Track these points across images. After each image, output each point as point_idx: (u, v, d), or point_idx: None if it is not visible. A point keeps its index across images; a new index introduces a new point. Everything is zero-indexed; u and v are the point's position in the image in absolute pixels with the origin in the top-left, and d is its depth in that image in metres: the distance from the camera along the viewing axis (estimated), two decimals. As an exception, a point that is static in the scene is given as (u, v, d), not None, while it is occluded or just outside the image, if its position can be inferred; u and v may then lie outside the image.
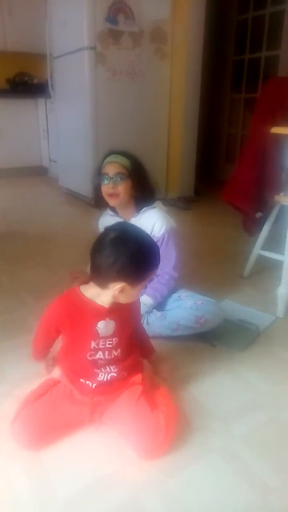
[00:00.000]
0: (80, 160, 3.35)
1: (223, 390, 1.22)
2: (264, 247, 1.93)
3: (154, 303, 1.47)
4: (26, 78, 4.64)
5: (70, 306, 0.99)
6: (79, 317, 0.98)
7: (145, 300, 1.47)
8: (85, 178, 3.31)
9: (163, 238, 1.47)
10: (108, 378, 1.03)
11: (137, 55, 3.13)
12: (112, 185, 1.40)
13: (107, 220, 1.53)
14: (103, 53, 2.98)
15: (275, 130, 1.51)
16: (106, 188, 1.42)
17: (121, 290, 0.94)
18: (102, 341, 1.01)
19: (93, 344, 1.00)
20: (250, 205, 1.83)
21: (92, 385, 1.03)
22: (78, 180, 3.47)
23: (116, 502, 0.87)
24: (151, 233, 1.45)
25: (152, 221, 1.46)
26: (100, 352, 1.02)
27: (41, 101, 4.39)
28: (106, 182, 1.41)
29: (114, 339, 1.02)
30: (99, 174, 1.45)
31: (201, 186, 3.82)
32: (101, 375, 1.03)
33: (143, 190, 1.46)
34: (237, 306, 1.71)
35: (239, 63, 4.18)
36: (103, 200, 1.48)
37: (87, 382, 1.03)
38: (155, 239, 1.41)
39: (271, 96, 1.80)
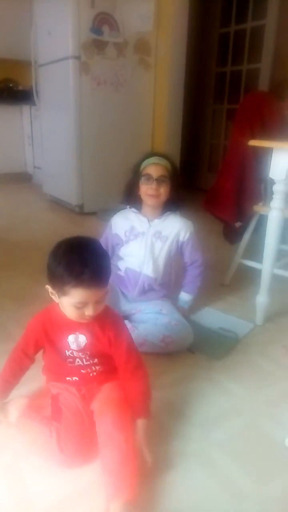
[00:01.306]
0: (64, 168, 3.36)
1: (201, 397, 1.24)
2: (244, 256, 1.97)
3: (193, 296, 1.68)
4: (11, 85, 4.64)
5: (46, 320, 1.02)
6: (54, 330, 1.02)
7: (185, 297, 1.67)
8: (70, 184, 3.33)
9: (189, 241, 1.59)
10: (95, 373, 1.06)
11: (121, 65, 3.18)
12: (156, 186, 1.47)
13: (127, 215, 1.59)
14: (87, 63, 3.01)
15: (253, 142, 1.56)
16: (148, 188, 1.48)
17: (51, 293, 0.96)
18: (76, 353, 1.03)
19: (68, 353, 1.03)
20: (230, 215, 1.88)
21: (77, 378, 1.06)
22: (62, 187, 3.48)
23: (94, 508, 0.87)
24: (175, 237, 1.56)
25: (177, 227, 1.57)
26: (78, 359, 1.04)
27: (26, 108, 4.40)
28: (149, 183, 1.48)
29: (87, 352, 1.03)
30: (137, 172, 1.52)
31: (183, 194, 3.86)
32: (86, 371, 1.05)
33: (177, 195, 1.54)
34: (217, 314, 1.74)
35: (222, 75, 4.27)
36: (134, 197, 1.55)
37: (73, 378, 1.06)
38: (179, 243, 1.57)
39: (249, 109, 1.86)
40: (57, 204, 3.66)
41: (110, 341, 1.02)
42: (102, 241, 1.58)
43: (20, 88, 4.62)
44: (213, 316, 1.71)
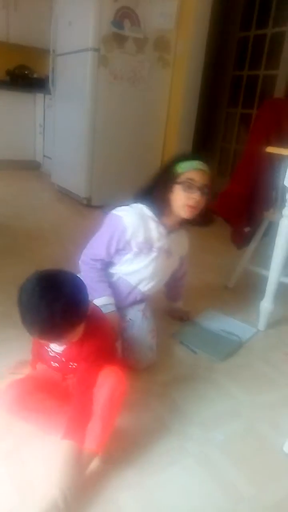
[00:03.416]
0: (74, 159, 3.36)
1: (202, 397, 1.25)
2: (250, 261, 1.98)
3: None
4: (26, 72, 4.62)
5: None
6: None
7: (179, 304, 1.67)
8: (79, 177, 3.33)
9: (187, 255, 1.53)
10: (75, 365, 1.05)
11: (139, 61, 3.17)
12: (200, 197, 1.25)
13: (146, 221, 1.31)
14: (106, 56, 3.01)
15: (270, 149, 1.57)
16: (190, 198, 1.25)
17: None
18: (54, 353, 1.04)
19: (51, 354, 1.04)
20: (240, 219, 1.88)
21: (58, 365, 1.07)
22: (71, 178, 3.48)
23: (94, 500, 0.88)
24: (180, 253, 1.47)
25: (183, 241, 1.47)
26: (57, 357, 1.05)
27: (39, 96, 4.39)
28: (192, 191, 1.25)
29: (63, 358, 1.04)
30: (171, 173, 1.27)
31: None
32: (69, 366, 1.06)
33: (206, 209, 1.34)
34: (220, 316, 1.75)
35: (238, 79, 4.26)
36: (161, 201, 1.29)
37: (55, 364, 1.07)
38: (181, 258, 1.49)
39: (267, 117, 1.86)
40: (65, 194, 3.66)
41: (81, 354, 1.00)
42: (103, 241, 1.32)
43: (35, 76, 4.61)
44: (216, 318, 1.72)
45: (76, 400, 0.96)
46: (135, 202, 1.34)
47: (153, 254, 1.34)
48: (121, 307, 1.41)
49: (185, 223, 1.38)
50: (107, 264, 1.38)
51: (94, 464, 0.96)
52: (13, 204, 3.23)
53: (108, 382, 0.95)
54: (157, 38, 3.19)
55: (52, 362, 1.08)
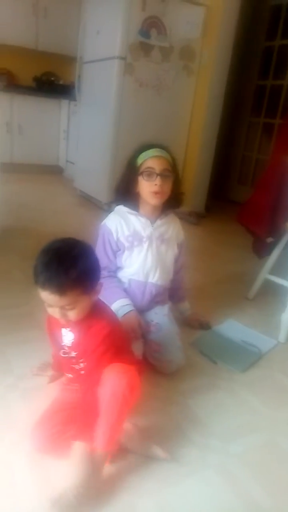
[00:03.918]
0: (97, 165, 3.40)
1: (221, 408, 1.25)
2: (271, 272, 1.96)
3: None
4: (52, 78, 4.71)
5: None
6: (54, 321, 1.03)
7: (186, 305, 1.65)
8: (101, 182, 3.37)
9: (183, 243, 1.50)
10: (83, 372, 1.06)
11: (164, 70, 3.20)
12: (161, 182, 1.29)
13: (125, 217, 1.39)
14: (132, 64, 3.05)
15: (296, 160, 1.57)
16: (152, 185, 1.30)
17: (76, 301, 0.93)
18: (67, 347, 1.05)
19: (62, 344, 1.05)
20: (263, 229, 1.87)
21: (72, 376, 1.08)
22: (94, 184, 3.52)
23: (113, 507, 0.89)
24: (176, 239, 1.47)
25: (176, 227, 1.47)
26: (70, 353, 1.06)
27: (64, 102, 4.46)
28: (152, 179, 1.30)
29: (73, 352, 1.04)
30: (133, 167, 1.33)
31: (212, 203, 3.88)
32: (77, 368, 1.06)
33: (178, 190, 1.39)
34: (241, 327, 1.74)
35: (261, 88, 4.25)
36: (131, 196, 1.36)
37: (68, 375, 1.09)
38: (179, 245, 1.47)
39: (294, 127, 1.86)
40: (86, 200, 3.71)
41: (89, 346, 1.00)
42: (100, 252, 1.39)
43: (61, 82, 4.69)
44: (236, 329, 1.71)
45: (81, 398, 0.97)
46: (116, 205, 1.45)
47: (146, 244, 1.39)
48: (144, 310, 1.45)
49: (165, 209, 1.42)
50: (114, 271, 1.44)
51: (114, 469, 0.97)
52: (37, 208, 3.29)
53: (111, 378, 0.93)
54: (182, 47, 3.21)
55: (67, 374, 1.10)
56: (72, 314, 0.94)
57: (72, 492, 0.86)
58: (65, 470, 0.94)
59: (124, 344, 1.09)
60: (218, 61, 3.31)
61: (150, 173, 1.30)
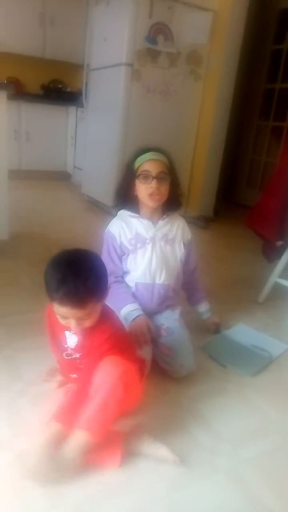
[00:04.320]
0: (105, 170, 3.42)
1: (232, 412, 1.23)
2: (281, 275, 1.95)
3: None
4: (60, 86, 4.77)
5: (49, 315, 1.06)
6: (55, 322, 1.03)
7: (206, 306, 1.62)
8: (108, 188, 3.37)
9: (191, 242, 1.50)
10: None
11: (172, 75, 3.22)
12: (157, 184, 1.32)
13: (127, 220, 1.41)
14: (139, 70, 3.06)
15: (305, 163, 1.56)
16: (148, 187, 1.32)
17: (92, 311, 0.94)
18: (70, 349, 1.06)
19: (65, 346, 1.06)
20: (273, 233, 1.86)
21: (77, 375, 1.09)
22: (101, 189, 3.54)
23: (123, 510, 0.88)
24: (181, 239, 1.46)
25: (180, 227, 1.46)
26: (73, 355, 1.06)
27: (72, 109, 4.51)
28: (148, 181, 1.32)
29: (77, 354, 1.05)
30: (131, 171, 1.36)
31: (221, 207, 3.87)
32: (82, 367, 1.07)
33: (176, 192, 1.42)
34: (251, 331, 1.72)
35: (270, 92, 4.25)
36: (130, 199, 1.39)
37: (73, 375, 1.11)
38: (185, 245, 1.46)
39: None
40: (94, 205, 3.72)
41: (92, 347, 1.01)
42: (105, 258, 1.41)
43: (69, 89, 4.75)
44: (246, 333, 1.70)
45: (80, 385, 0.99)
46: (118, 209, 1.46)
47: (149, 245, 1.40)
48: (153, 313, 1.45)
49: (165, 210, 1.43)
50: (121, 276, 1.45)
51: (124, 473, 0.96)
52: (45, 214, 3.31)
53: (104, 367, 0.95)
54: (190, 52, 3.22)
55: (71, 374, 1.11)
56: (88, 322, 0.96)
57: (33, 456, 0.89)
58: (74, 475, 0.93)
59: (127, 346, 1.09)
60: (225, 65, 3.31)
61: (146, 176, 1.32)
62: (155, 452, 1.00)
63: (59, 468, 0.90)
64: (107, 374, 0.94)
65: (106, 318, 1.02)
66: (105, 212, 3.48)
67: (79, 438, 0.91)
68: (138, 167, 1.34)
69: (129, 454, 1.00)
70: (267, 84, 4.26)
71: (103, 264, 0.99)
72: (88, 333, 1.00)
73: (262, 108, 4.36)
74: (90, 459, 0.95)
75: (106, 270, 1.00)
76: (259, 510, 0.93)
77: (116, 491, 0.93)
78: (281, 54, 4.06)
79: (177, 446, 1.06)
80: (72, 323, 0.95)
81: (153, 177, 1.31)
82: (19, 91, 4.51)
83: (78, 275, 0.89)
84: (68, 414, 0.94)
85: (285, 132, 3.97)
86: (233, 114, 3.61)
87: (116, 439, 0.99)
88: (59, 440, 0.92)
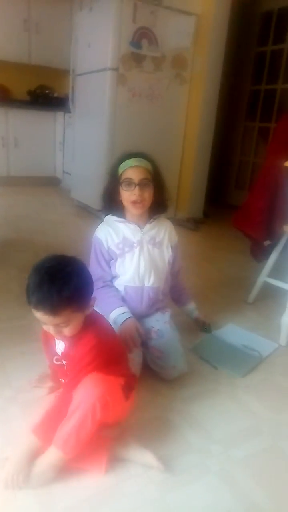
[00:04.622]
0: (94, 175, 3.42)
1: (222, 413, 1.24)
2: (270, 275, 1.96)
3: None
4: (46, 91, 4.76)
5: None
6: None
7: (192, 305, 1.66)
8: (97, 192, 3.36)
9: (177, 246, 1.50)
10: None
11: (157, 79, 3.23)
12: (139, 191, 1.31)
13: (113, 225, 1.41)
14: (124, 75, 3.08)
15: (289, 163, 1.57)
16: (131, 195, 1.32)
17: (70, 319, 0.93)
18: (58, 356, 1.06)
19: (56, 350, 1.06)
20: (260, 233, 1.88)
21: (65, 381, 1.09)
22: (90, 194, 3.54)
23: (114, 515, 0.88)
24: (168, 242, 1.46)
25: (167, 230, 1.46)
26: (63, 360, 1.06)
27: (59, 115, 4.50)
28: (131, 188, 1.32)
29: (63, 361, 1.05)
30: (115, 176, 1.35)
31: (210, 209, 3.89)
32: (69, 374, 1.06)
33: (162, 196, 1.41)
34: (241, 331, 1.73)
35: (256, 93, 4.29)
36: (116, 204, 1.39)
37: (61, 379, 1.11)
38: (172, 248, 1.46)
39: (285, 131, 1.86)
40: (84, 210, 3.72)
41: (75, 357, 1.01)
42: (93, 263, 1.42)
43: (55, 95, 4.74)
44: (237, 333, 1.70)
45: (58, 400, 0.99)
46: (105, 215, 1.46)
47: (136, 249, 1.40)
48: (143, 316, 1.45)
49: (151, 214, 1.43)
50: (110, 281, 1.44)
51: (114, 478, 0.96)
52: (35, 219, 3.30)
53: (85, 385, 0.94)
54: (174, 56, 3.25)
55: (61, 379, 1.11)
56: (67, 331, 0.95)
57: (9, 466, 0.90)
58: (65, 482, 0.93)
59: (114, 356, 1.07)
60: (210, 68, 3.34)
61: (128, 183, 1.32)
62: (141, 459, 1.00)
63: (29, 480, 0.91)
64: (87, 393, 0.93)
65: (92, 328, 1.00)
66: (94, 216, 3.48)
67: (51, 454, 0.92)
68: (121, 174, 1.34)
69: (116, 460, 0.99)
70: (252, 85, 4.30)
71: (88, 273, 0.98)
72: (73, 342, 0.99)
73: (248, 110, 4.40)
74: (76, 465, 0.95)
75: (91, 280, 0.99)
76: (251, 510, 0.93)
77: (108, 496, 0.92)
78: (265, 56, 4.11)
79: (168, 448, 1.06)
80: (51, 329, 0.95)
81: (136, 184, 1.31)
82: (5, 98, 4.50)
83: (54, 283, 0.88)
84: (46, 429, 0.94)
85: (271, 133, 4.01)
86: (220, 116, 3.64)
87: (102, 445, 0.99)
88: (33, 453, 0.93)
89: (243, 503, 0.94)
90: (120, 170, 1.34)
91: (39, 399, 1.16)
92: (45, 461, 0.92)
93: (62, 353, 1.04)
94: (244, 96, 4.39)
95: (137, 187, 1.31)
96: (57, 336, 0.96)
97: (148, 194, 1.34)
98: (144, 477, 0.98)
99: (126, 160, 1.34)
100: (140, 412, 1.17)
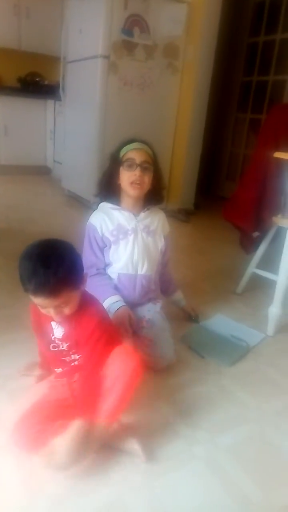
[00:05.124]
0: (84, 164, 3.40)
1: (209, 402, 1.25)
2: (259, 266, 1.98)
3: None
4: (37, 79, 4.69)
5: (36, 309, 1.04)
6: (40, 315, 1.03)
7: (180, 294, 1.66)
8: (89, 181, 3.35)
9: (168, 236, 1.52)
10: (77, 363, 1.08)
11: (149, 68, 3.20)
12: (140, 173, 1.33)
13: (108, 212, 1.41)
14: (116, 63, 3.04)
15: (278, 154, 1.57)
16: (132, 175, 1.34)
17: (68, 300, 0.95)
18: (57, 340, 1.06)
19: (52, 337, 1.06)
20: (249, 224, 1.89)
21: (61, 370, 1.10)
22: (81, 183, 3.52)
23: (101, 502, 0.89)
24: (161, 232, 1.48)
25: (161, 220, 1.49)
26: (60, 346, 1.07)
27: (50, 103, 4.44)
28: (132, 169, 1.34)
29: (65, 343, 1.05)
30: (116, 160, 1.38)
31: (201, 200, 3.89)
32: (68, 360, 1.08)
33: (159, 184, 1.43)
34: (229, 321, 1.75)
35: (247, 84, 4.28)
36: (113, 188, 1.40)
37: (58, 369, 1.11)
38: (165, 234, 1.49)
39: (275, 122, 1.86)
40: (75, 199, 3.70)
41: (79, 336, 1.03)
42: (87, 250, 1.43)
43: (46, 82, 4.67)
44: (225, 323, 1.72)
45: (83, 379, 1.00)
46: (100, 202, 1.47)
47: (131, 236, 1.41)
48: (136, 304, 1.46)
49: (147, 203, 1.45)
50: (103, 269, 1.45)
51: (101, 464, 0.97)
52: (25, 209, 3.27)
53: (120, 358, 0.98)
54: (166, 45, 3.21)
55: (57, 368, 1.11)
56: (67, 310, 0.97)
57: (63, 452, 0.91)
58: (55, 472, 0.94)
59: (115, 332, 1.11)
60: (202, 58, 3.32)
61: (130, 164, 1.34)
62: (126, 447, 1.01)
63: (83, 460, 0.94)
64: (122, 366, 0.97)
65: (91, 305, 1.04)
66: (85, 206, 3.46)
67: (99, 427, 0.95)
68: (123, 156, 1.36)
69: (102, 447, 1.00)
70: (244, 76, 4.29)
71: (75, 251, 1.00)
72: (75, 321, 1.01)
73: (239, 101, 4.39)
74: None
75: (80, 256, 1.02)
76: (238, 496, 0.95)
77: (95, 483, 0.93)
78: (257, 46, 4.08)
79: (155, 435, 1.08)
80: (51, 311, 0.96)
81: (137, 165, 1.33)
82: (-5, 85, 4.43)
83: (49, 266, 0.89)
84: (89, 409, 0.96)
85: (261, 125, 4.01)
86: (211, 107, 3.62)
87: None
88: (84, 435, 0.94)
89: (230, 490, 0.96)
90: (122, 152, 1.37)
91: (27, 387, 1.17)
92: (96, 434, 0.95)
93: (63, 336, 1.04)
94: (235, 87, 4.37)
95: (138, 168, 1.33)
96: (58, 317, 0.97)
97: (147, 178, 1.36)
98: (131, 464, 0.99)
99: (128, 144, 1.38)
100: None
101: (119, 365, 0.97)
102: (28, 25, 4.30)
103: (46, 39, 4.32)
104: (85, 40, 3.18)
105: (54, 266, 0.90)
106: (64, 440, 0.93)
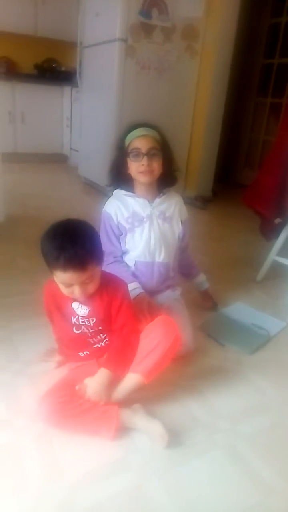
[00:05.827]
0: (101, 151, 3.36)
1: (229, 390, 1.24)
2: (279, 254, 1.93)
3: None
4: (54, 65, 4.66)
5: (53, 289, 1.05)
6: (60, 297, 1.06)
7: (202, 277, 1.65)
8: (105, 168, 3.31)
9: (187, 221, 1.49)
10: (103, 344, 1.12)
11: (167, 51, 3.13)
12: (148, 161, 1.29)
13: (123, 199, 1.39)
14: (133, 46, 2.98)
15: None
16: (139, 166, 1.30)
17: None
18: (82, 319, 1.08)
19: (73, 320, 1.08)
20: (270, 211, 1.84)
21: (88, 352, 1.13)
22: (98, 170, 3.49)
23: (121, 487, 0.89)
24: (178, 217, 1.45)
25: (178, 204, 1.45)
26: (83, 327, 1.09)
27: (67, 89, 4.41)
28: (139, 159, 1.30)
29: (92, 319, 1.07)
30: (122, 148, 1.34)
31: (219, 187, 3.82)
32: (93, 341, 1.11)
33: (170, 167, 1.38)
34: (249, 309, 1.72)
35: (268, 67, 4.15)
36: (124, 177, 1.37)
37: (84, 352, 1.13)
38: (182, 223, 1.46)
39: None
40: (91, 187, 3.68)
41: (108, 305, 1.07)
42: (103, 239, 1.37)
43: (63, 69, 4.62)
44: (245, 311, 1.69)
45: (118, 342, 1.07)
46: (113, 189, 1.44)
47: (146, 224, 1.39)
48: (154, 292, 1.45)
49: (160, 187, 1.42)
50: (120, 257, 1.44)
51: (121, 450, 0.97)
52: (42, 196, 3.28)
53: (163, 326, 1.08)
54: (185, 27, 3.13)
55: (81, 352, 1.12)
56: (91, 287, 1.01)
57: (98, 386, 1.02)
58: (72, 453, 0.94)
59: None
60: (222, 40, 3.22)
61: (136, 154, 1.30)
62: (148, 427, 1.01)
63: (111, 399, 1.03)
64: (167, 332, 1.07)
65: (112, 279, 1.09)
66: (102, 194, 3.44)
67: (134, 379, 1.06)
68: (128, 145, 1.32)
69: (124, 428, 1.01)
70: (265, 59, 4.16)
71: (93, 228, 1.02)
72: (101, 294, 1.04)
73: (260, 84, 4.26)
74: (86, 430, 0.99)
75: (97, 233, 1.05)
76: (257, 485, 0.94)
77: (115, 468, 0.94)
78: (280, 27, 3.94)
79: (175, 423, 1.07)
80: (76, 289, 0.98)
81: (144, 154, 1.29)
82: (11, 71, 4.41)
83: (75, 241, 0.94)
84: (119, 368, 1.06)
85: (283, 109, 3.89)
86: (230, 91, 3.53)
87: (112, 411, 1.01)
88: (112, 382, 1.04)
89: (250, 479, 0.95)
90: (127, 141, 1.32)
91: (46, 372, 1.17)
92: (128, 383, 1.06)
93: (88, 313, 1.06)
94: (256, 70, 4.24)
95: (145, 157, 1.29)
96: (82, 295, 1.00)
97: (156, 164, 1.32)
98: (151, 450, 0.98)
99: (132, 130, 1.32)
100: (146, 389, 1.16)
101: (162, 332, 1.06)
102: (44, 10, 4.25)
103: (62, 24, 4.26)
104: (102, 24, 3.12)
105: (79, 241, 0.94)
106: (93, 381, 1.03)
